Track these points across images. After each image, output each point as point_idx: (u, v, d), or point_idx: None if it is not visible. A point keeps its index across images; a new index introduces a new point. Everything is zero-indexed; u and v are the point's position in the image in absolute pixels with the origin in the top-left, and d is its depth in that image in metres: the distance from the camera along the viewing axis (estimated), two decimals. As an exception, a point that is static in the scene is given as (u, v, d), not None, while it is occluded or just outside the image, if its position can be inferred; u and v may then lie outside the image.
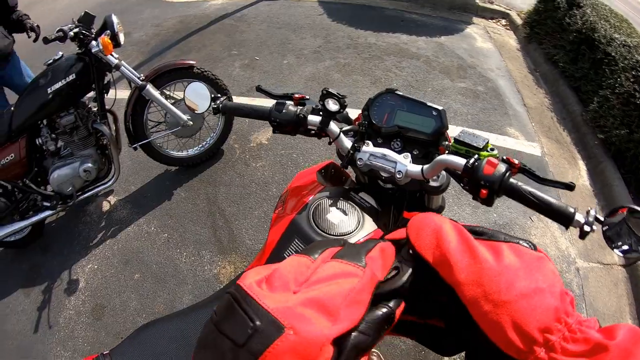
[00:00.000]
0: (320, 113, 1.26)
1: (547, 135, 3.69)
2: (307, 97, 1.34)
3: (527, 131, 3.68)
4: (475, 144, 1.03)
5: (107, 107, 2.93)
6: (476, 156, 0.98)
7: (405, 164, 1.14)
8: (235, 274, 2.73)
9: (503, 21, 5.62)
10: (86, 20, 2.66)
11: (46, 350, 2.68)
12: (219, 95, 1.45)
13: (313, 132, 1.29)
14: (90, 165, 2.87)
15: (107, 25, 2.66)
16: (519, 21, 5.47)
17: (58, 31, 2.55)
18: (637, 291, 2.66)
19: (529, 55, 4.88)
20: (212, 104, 1.43)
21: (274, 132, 1.32)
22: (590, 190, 3.29)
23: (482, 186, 0.94)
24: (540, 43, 4.90)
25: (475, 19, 5.44)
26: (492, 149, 1.03)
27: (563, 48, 4.52)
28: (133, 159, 3.49)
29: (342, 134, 1.27)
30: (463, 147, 1.04)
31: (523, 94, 4.16)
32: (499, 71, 4.39)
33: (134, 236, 3.10)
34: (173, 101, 3.04)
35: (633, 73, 3.49)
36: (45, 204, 2.94)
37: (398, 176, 1.14)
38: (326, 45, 4.62)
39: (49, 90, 2.63)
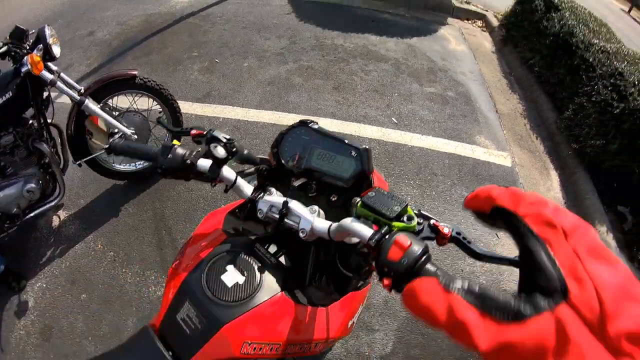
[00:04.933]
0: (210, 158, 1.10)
1: (519, 144, 3.49)
2: (205, 132, 1.17)
3: (497, 140, 3.47)
4: (385, 211, 0.78)
5: (49, 120, 2.80)
6: (386, 228, 0.74)
7: (310, 219, 0.95)
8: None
9: (479, 22, 5.43)
10: (17, 35, 2.52)
11: (-2, 373, 2.62)
12: (115, 131, 1.28)
13: (206, 177, 1.11)
14: (33, 185, 2.77)
15: (39, 39, 2.53)
16: (495, 23, 5.28)
17: None
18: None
19: (504, 58, 4.69)
20: (107, 144, 1.25)
21: (163, 177, 1.14)
22: (562, 202, 3.10)
23: (385, 274, 0.67)
24: (516, 46, 4.71)
25: (450, 20, 5.24)
26: (410, 218, 0.78)
27: (539, 52, 4.33)
28: (84, 171, 3.31)
29: (239, 179, 1.10)
30: (371, 214, 0.81)
31: (496, 99, 3.96)
32: (472, 75, 4.18)
33: (81, 254, 2.98)
34: (117, 113, 2.89)
35: (611, 81, 3.29)
36: None
37: (301, 234, 0.96)
38: (290, 47, 4.39)
39: None
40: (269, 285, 1.06)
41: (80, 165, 2.95)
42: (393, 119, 3.52)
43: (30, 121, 2.75)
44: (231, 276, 1.07)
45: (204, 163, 1.08)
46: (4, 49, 2.46)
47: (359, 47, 4.37)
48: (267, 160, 1.19)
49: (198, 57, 4.48)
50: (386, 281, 0.67)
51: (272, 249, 1.10)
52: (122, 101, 2.99)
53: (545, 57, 4.22)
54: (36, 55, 2.46)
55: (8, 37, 2.52)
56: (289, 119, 3.56)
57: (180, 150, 1.09)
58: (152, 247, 2.91)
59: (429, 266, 0.65)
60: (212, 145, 1.08)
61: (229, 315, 1.02)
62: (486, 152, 3.32)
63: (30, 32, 2.59)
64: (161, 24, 5.27)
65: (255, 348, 1.02)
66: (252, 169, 1.19)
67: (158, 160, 1.10)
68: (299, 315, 1.09)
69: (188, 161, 1.07)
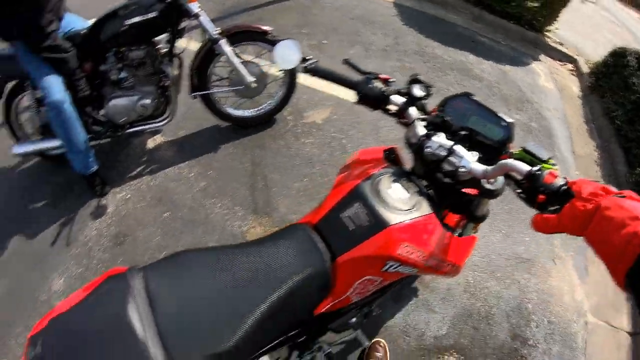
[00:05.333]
0: (404, 96, 1.39)
1: (589, 187, 3.69)
2: (393, 79, 1.46)
3: (570, 177, 3.64)
4: (540, 156, 1.09)
5: (176, 51, 2.99)
6: (540, 166, 1.05)
7: (470, 160, 1.22)
8: (263, 235, 2.79)
9: (569, 66, 5.59)
10: None
11: (58, 262, 2.76)
12: (309, 57, 1.55)
13: (392, 112, 1.42)
14: (148, 102, 2.94)
15: None
16: (585, 69, 5.44)
17: None
18: (638, 360, 2.71)
19: (589, 105, 4.86)
20: (302, 63, 1.54)
21: (357, 103, 1.45)
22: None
23: (541, 192, 1.01)
24: (602, 96, 4.87)
25: (542, 57, 5.43)
26: (554, 164, 1.09)
27: (623, 106, 4.49)
28: (188, 106, 3.55)
29: (417, 120, 1.35)
30: (528, 156, 1.10)
31: (574, 141, 4.17)
32: (556, 112, 4.39)
33: (173, 177, 3.17)
34: (241, 61, 3.08)
35: (688, 149, 3.49)
36: (95, 128, 3.02)
37: (461, 170, 1.22)
38: (394, 47, 4.66)
39: (126, 22, 2.68)
40: (425, 206, 1.31)
41: (195, 97, 3.14)
42: (481, 134, 3.75)
43: (159, 45, 2.91)
44: (397, 190, 1.31)
45: (396, 99, 1.38)
46: None
47: (457, 61, 4.62)
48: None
49: (307, 35, 4.73)
50: (541, 197, 1.03)
51: (423, 183, 1.39)
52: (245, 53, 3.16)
53: (628, 112, 4.38)
54: None
55: None
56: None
57: (378, 84, 1.40)
58: (245, 188, 3.11)
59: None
60: (413, 85, 1.37)
61: (394, 218, 1.26)
62: (559, 185, 3.51)
63: None
64: (272, -2, 5.50)
65: (408, 251, 1.26)
66: (423, 116, 1.41)
67: (359, 86, 1.41)
68: (442, 236, 1.34)
69: (385, 93, 1.38)
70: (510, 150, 1.26)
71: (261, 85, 3.22)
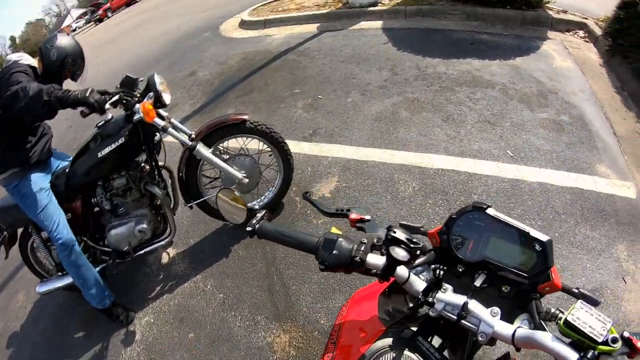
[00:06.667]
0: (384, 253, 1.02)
1: (642, 170, 3.33)
2: (368, 217, 1.13)
3: (619, 167, 3.31)
4: (592, 335, 0.77)
5: (161, 163, 3.01)
6: (591, 353, 0.75)
7: (491, 324, 0.88)
8: (289, 344, 2.67)
9: (581, 33, 5.22)
10: (128, 83, 2.67)
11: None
12: (256, 211, 1.20)
13: (374, 272, 1.03)
14: (144, 226, 2.96)
15: (149, 87, 2.64)
16: (598, 31, 5.06)
17: None
18: None
19: (614, 71, 4.48)
20: (248, 224, 1.17)
21: (323, 270, 1.04)
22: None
23: None
24: (625, 56, 4.50)
25: (550, 33, 5.09)
26: (614, 340, 0.77)
27: (652, 61, 4.12)
28: (194, 211, 3.51)
29: (412, 275, 0.99)
30: (574, 335, 0.79)
31: (612, 119, 3.81)
32: (583, 94, 4.05)
33: (190, 293, 3.15)
34: (227, 157, 3.03)
35: None
36: (104, 257, 3.09)
37: (480, 338, 0.88)
38: (393, 79, 4.48)
39: (99, 155, 2.70)
40: None
41: (191, 207, 3.11)
42: (508, 151, 3.49)
43: (142, 164, 2.90)
44: None
45: (374, 260, 1.01)
46: (116, 97, 2.56)
47: (462, 73, 4.38)
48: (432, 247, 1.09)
49: (300, 94, 4.66)
50: None
51: (436, 341, 0.99)
52: (232, 142, 3.07)
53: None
54: (148, 104, 2.54)
55: (119, 86, 2.63)
56: (401, 157, 3.63)
57: (346, 244, 1.02)
58: (263, 292, 3.00)
59: None
60: (391, 248, 1.00)
61: None
62: (608, 184, 3.16)
63: (140, 80, 2.70)
64: (260, 62, 5.50)
65: None
66: (421, 260, 1.07)
67: (319, 254, 1.02)
68: None
69: (357, 258, 1.00)
70: (561, 317, 0.86)
71: (255, 176, 3.13)
